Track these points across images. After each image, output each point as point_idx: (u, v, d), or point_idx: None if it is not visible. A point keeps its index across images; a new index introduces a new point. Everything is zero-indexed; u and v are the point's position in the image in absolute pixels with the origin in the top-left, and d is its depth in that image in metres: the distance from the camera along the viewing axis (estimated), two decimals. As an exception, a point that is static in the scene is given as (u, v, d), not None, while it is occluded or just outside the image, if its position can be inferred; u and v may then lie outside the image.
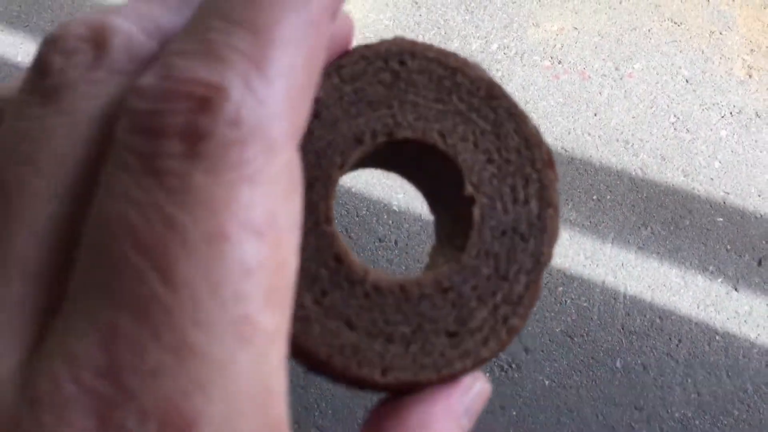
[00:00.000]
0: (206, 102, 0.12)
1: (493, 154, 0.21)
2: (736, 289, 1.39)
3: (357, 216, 1.49)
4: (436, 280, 0.20)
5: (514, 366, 1.30)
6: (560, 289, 1.38)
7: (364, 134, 0.20)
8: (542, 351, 1.31)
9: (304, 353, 0.19)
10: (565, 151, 1.58)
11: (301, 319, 0.19)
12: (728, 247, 1.45)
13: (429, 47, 0.21)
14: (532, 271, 0.20)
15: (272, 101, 0.13)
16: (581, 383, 1.28)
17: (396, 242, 1.44)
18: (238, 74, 0.13)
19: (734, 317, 1.35)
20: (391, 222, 1.48)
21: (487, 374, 1.28)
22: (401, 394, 0.20)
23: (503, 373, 1.29)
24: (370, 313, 0.19)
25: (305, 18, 0.14)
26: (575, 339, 1.33)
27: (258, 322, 0.13)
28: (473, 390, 0.20)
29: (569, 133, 1.61)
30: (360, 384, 0.20)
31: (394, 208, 1.50)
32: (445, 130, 0.21)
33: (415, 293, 0.20)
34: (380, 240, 1.45)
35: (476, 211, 0.20)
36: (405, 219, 1.48)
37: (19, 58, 1.67)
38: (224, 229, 0.12)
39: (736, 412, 1.25)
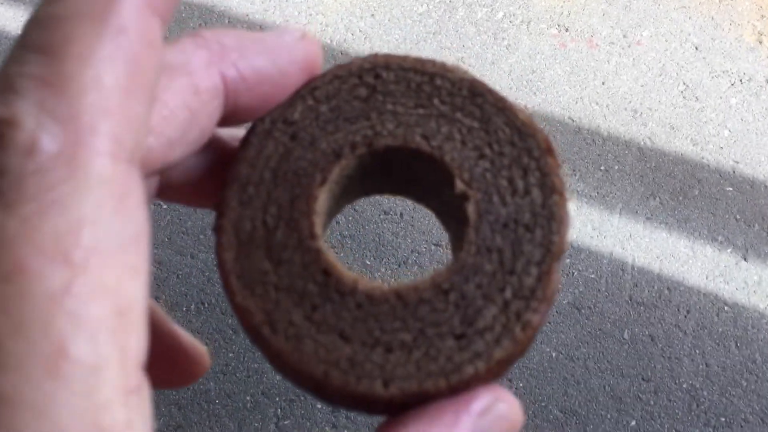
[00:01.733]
0: None
1: (484, 149, 0.20)
2: (745, 259, 1.38)
3: (362, 189, 1.47)
4: (435, 283, 0.19)
5: (521, 338, 1.29)
6: (568, 260, 1.37)
7: (343, 148, 0.20)
8: (549, 323, 1.31)
9: (299, 373, 0.18)
10: (572, 121, 1.56)
11: (292, 337, 0.18)
12: (737, 216, 1.43)
13: (404, 58, 0.21)
14: (543, 261, 0.19)
15: (79, 120, 0.13)
16: (588, 355, 1.28)
17: (401, 215, 1.43)
18: (30, 101, 0.12)
19: (743, 287, 1.34)
20: (396, 194, 1.47)
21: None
22: (409, 409, 0.18)
23: (510, 346, 1.28)
24: (365, 323, 0.18)
25: (108, 26, 0.13)
26: (582, 311, 1.32)
27: (73, 354, 0.12)
28: (494, 411, 0.18)
29: (576, 103, 1.59)
30: (362, 401, 0.18)
31: (400, 180, 1.48)
32: (428, 133, 0.20)
33: (412, 298, 0.19)
34: (385, 213, 1.44)
35: (470, 207, 0.20)
36: (410, 191, 1.47)
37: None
38: (22, 262, 0.12)
39: (745, 383, 1.25)
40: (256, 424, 1.21)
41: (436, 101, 0.21)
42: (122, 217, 0.13)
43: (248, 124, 0.20)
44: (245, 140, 0.20)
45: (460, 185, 0.20)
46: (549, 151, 0.20)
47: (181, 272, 1.33)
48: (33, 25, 0.13)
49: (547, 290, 0.19)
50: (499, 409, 0.18)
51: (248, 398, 1.23)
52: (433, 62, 0.21)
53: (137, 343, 0.13)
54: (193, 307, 1.31)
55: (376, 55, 0.21)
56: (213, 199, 0.20)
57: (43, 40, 0.13)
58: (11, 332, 0.12)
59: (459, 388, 0.18)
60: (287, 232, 0.19)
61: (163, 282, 1.32)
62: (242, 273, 0.19)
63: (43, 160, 0.12)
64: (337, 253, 1.36)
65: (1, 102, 0.13)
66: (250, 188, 0.19)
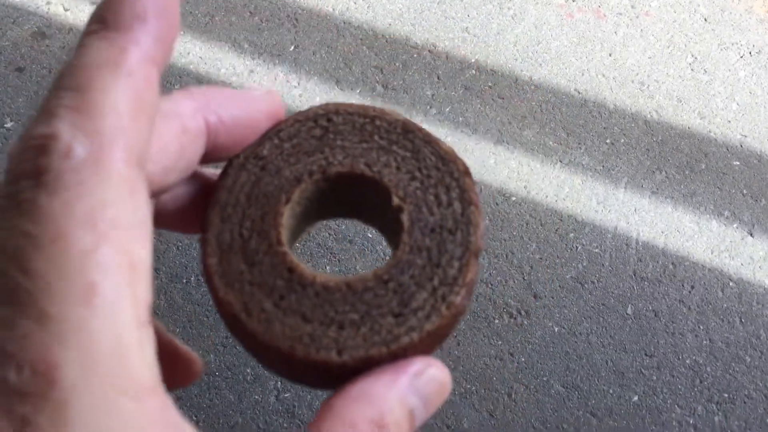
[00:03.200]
0: (43, 148, 0.17)
1: (415, 173, 0.25)
2: (751, 235, 1.36)
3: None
4: (377, 275, 0.24)
5: (523, 313, 1.28)
6: (571, 235, 1.36)
7: (303, 175, 0.25)
8: (552, 297, 1.30)
9: (270, 349, 0.23)
10: (578, 93, 1.54)
11: (264, 321, 0.23)
12: (744, 191, 1.41)
13: (351, 105, 0.26)
14: (463, 257, 0.24)
15: (102, 133, 0.18)
16: (591, 330, 1.27)
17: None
18: (65, 121, 0.18)
19: (749, 263, 1.33)
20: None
21: (496, 320, 1.27)
22: (359, 374, 0.22)
23: (512, 320, 1.27)
24: (322, 307, 0.23)
25: (120, 71, 0.19)
26: (586, 285, 1.31)
27: (101, 291, 0.17)
28: (426, 373, 0.23)
29: (583, 74, 1.56)
30: (322, 369, 0.22)
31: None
32: (370, 161, 0.25)
33: (359, 287, 0.23)
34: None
35: (404, 217, 0.24)
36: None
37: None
38: (63, 229, 0.17)
39: (749, 359, 1.24)
40: (257, 397, 1.20)
41: (376, 137, 0.26)
42: (133, 204, 0.18)
43: (223, 163, 0.25)
44: (224, 172, 0.25)
45: (396, 200, 0.25)
46: (466, 172, 0.25)
47: (180, 244, 1.32)
48: (66, 72, 0.19)
49: (467, 278, 0.24)
50: (431, 372, 0.23)
51: (248, 371, 1.22)
52: (373, 108, 0.26)
53: (144, 292, 0.18)
54: (193, 279, 1.30)
55: (327, 104, 0.26)
56: (196, 226, 0.25)
57: (74, 81, 0.18)
58: (57, 276, 0.16)
59: (398, 354, 0.22)
60: (259, 241, 0.24)
61: (162, 254, 1.31)
62: (223, 273, 0.23)
63: (76, 162, 0.17)
64: (343, 227, 1.35)
65: (46, 123, 0.18)
66: (229, 208, 0.24)
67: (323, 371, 0.23)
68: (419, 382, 0.22)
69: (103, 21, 0.19)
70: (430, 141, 0.26)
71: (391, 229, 0.26)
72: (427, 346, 0.23)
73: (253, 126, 0.25)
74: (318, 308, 0.23)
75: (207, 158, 0.24)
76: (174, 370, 0.21)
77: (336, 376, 0.22)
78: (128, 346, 0.17)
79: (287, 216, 0.25)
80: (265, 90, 0.25)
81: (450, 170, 0.25)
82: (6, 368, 0.16)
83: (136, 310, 0.17)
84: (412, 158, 0.25)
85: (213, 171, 0.26)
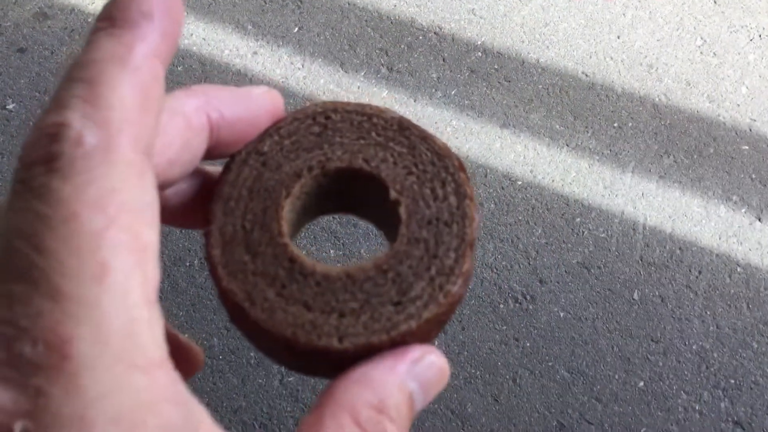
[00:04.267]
0: (55, 135, 0.18)
1: (411, 168, 0.26)
2: (759, 220, 1.35)
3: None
4: (376, 265, 0.24)
5: (528, 297, 1.27)
6: (578, 219, 1.35)
7: (302, 170, 0.26)
8: (558, 282, 1.29)
9: (272, 337, 0.23)
10: (586, 76, 1.52)
11: (267, 309, 0.23)
12: (753, 176, 1.40)
13: (348, 103, 0.27)
14: (459, 247, 0.25)
15: (110, 123, 0.19)
16: (597, 315, 1.26)
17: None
18: (76, 111, 0.19)
19: (757, 248, 1.32)
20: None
21: (501, 305, 1.26)
22: (359, 361, 0.23)
23: (517, 305, 1.27)
24: (323, 296, 0.24)
25: (128, 66, 0.20)
26: (592, 270, 1.30)
27: (112, 266, 0.18)
28: (424, 359, 0.23)
29: (590, 57, 1.54)
30: (323, 355, 0.23)
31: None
32: (368, 157, 0.26)
33: (359, 277, 0.24)
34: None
35: (402, 209, 0.25)
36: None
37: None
38: (75, 210, 0.18)
39: (756, 345, 1.23)
40: (260, 380, 1.20)
41: (373, 134, 0.27)
42: (140, 189, 0.19)
43: (225, 160, 0.26)
44: (226, 167, 0.26)
45: (393, 194, 0.26)
46: (461, 168, 0.26)
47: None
48: (76, 65, 0.20)
49: (463, 268, 0.24)
50: (430, 359, 0.23)
51: (252, 354, 1.22)
52: (371, 106, 0.27)
53: (153, 272, 0.19)
54: (196, 262, 1.30)
55: (325, 102, 0.27)
56: (198, 222, 0.26)
57: (84, 74, 0.19)
58: (69, 255, 0.17)
59: (397, 341, 0.23)
60: (261, 233, 0.25)
61: (165, 236, 1.30)
62: (227, 264, 0.24)
63: (87, 149, 0.18)
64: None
65: (58, 113, 0.19)
66: (231, 202, 0.25)
67: (325, 358, 0.23)
68: (418, 368, 0.23)
69: (112, 18, 0.21)
70: (425, 137, 0.27)
71: (388, 222, 0.27)
72: (426, 333, 0.24)
73: (254, 123, 0.26)
74: (319, 297, 0.24)
75: (209, 154, 0.25)
76: (176, 361, 0.21)
77: (337, 364, 0.23)
78: (138, 322, 0.18)
79: (288, 210, 0.26)
80: (266, 88, 0.26)
81: (445, 165, 0.26)
82: (21, 342, 0.17)
83: (146, 288, 0.18)
84: (408, 154, 0.26)
85: (214, 168, 0.27)
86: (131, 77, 0.20)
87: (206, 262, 0.25)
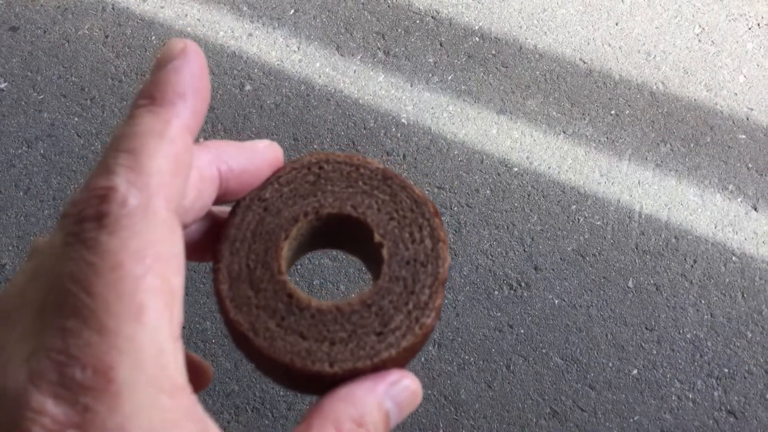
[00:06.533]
0: (104, 197, 0.22)
1: (393, 214, 0.30)
2: (755, 209, 1.35)
3: (364, 129, 1.43)
4: (362, 300, 0.28)
5: (523, 284, 1.27)
6: (573, 207, 1.34)
7: (299, 215, 0.30)
8: (553, 270, 1.28)
9: (274, 362, 0.27)
10: (584, 62, 1.51)
11: (268, 338, 0.27)
12: (749, 165, 1.39)
13: (338, 154, 0.31)
14: (432, 285, 0.29)
15: (149, 188, 0.23)
16: (592, 303, 1.26)
17: (404, 156, 1.40)
18: (122, 177, 0.23)
19: (752, 238, 1.32)
20: (399, 135, 1.43)
21: (496, 292, 1.26)
22: (345, 381, 0.27)
23: (512, 292, 1.26)
24: (317, 327, 0.28)
25: (165, 139, 0.24)
26: (587, 258, 1.30)
27: (148, 308, 0.22)
28: (400, 383, 0.27)
29: (588, 44, 1.53)
30: (317, 378, 0.27)
31: (403, 120, 1.44)
32: (355, 204, 0.30)
33: (347, 310, 0.28)
34: (388, 153, 1.40)
35: (384, 251, 0.29)
36: (414, 132, 1.43)
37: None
38: (120, 260, 0.22)
39: (750, 334, 1.23)
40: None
41: (360, 183, 0.31)
42: (171, 242, 0.23)
43: (232, 204, 0.30)
44: (232, 212, 0.30)
45: (377, 237, 0.30)
46: (436, 214, 0.30)
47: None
48: (120, 137, 0.24)
49: (436, 303, 0.28)
50: (405, 382, 0.27)
51: (245, 339, 1.21)
52: (357, 157, 0.31)
53: (178, 312, 0.23)
54: (189, 245, 1.29)
55: (318, 153, 0.31)
56: (207, 255, 0.30)
57: (128, 145, 0.23)
58: (114, 298, 0.21)
59: (379, 367, 0.27)
60: (263, 271, 0.29)
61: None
62: (233, 298, 0.28)
63: (130, 209, 0.22)
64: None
65: (107, 178, 0.23)
66: (237, 243, 0.29)
67: (317, 380, 0.27)
68: (394, 390, 0.27)
69: (152, 97, 0.25)
70: (405, 186, 0.31)
71: (372, 260, 0.31)
72: (404, 359, 0.28)
73: (257, 173, 0.30)
74: (313, 328, 0.28)
75: (218, 200, 0.29)
76: (189, 377, 0.25)
77: (328, 385, 0.27)
78: (166, 354, 0.22)
79: (286, 249, 0.29)
80: (268, 142, 0.30)
81: (422, 212, 0.30)
82: (73, 368, 0.21)
83: (172, 326, 0.22)
84: (390, 201, 0.30)
85: (222, 209, 0.31)
86: (167, 148, 0.24)
87: (215, 296, 0.28)
